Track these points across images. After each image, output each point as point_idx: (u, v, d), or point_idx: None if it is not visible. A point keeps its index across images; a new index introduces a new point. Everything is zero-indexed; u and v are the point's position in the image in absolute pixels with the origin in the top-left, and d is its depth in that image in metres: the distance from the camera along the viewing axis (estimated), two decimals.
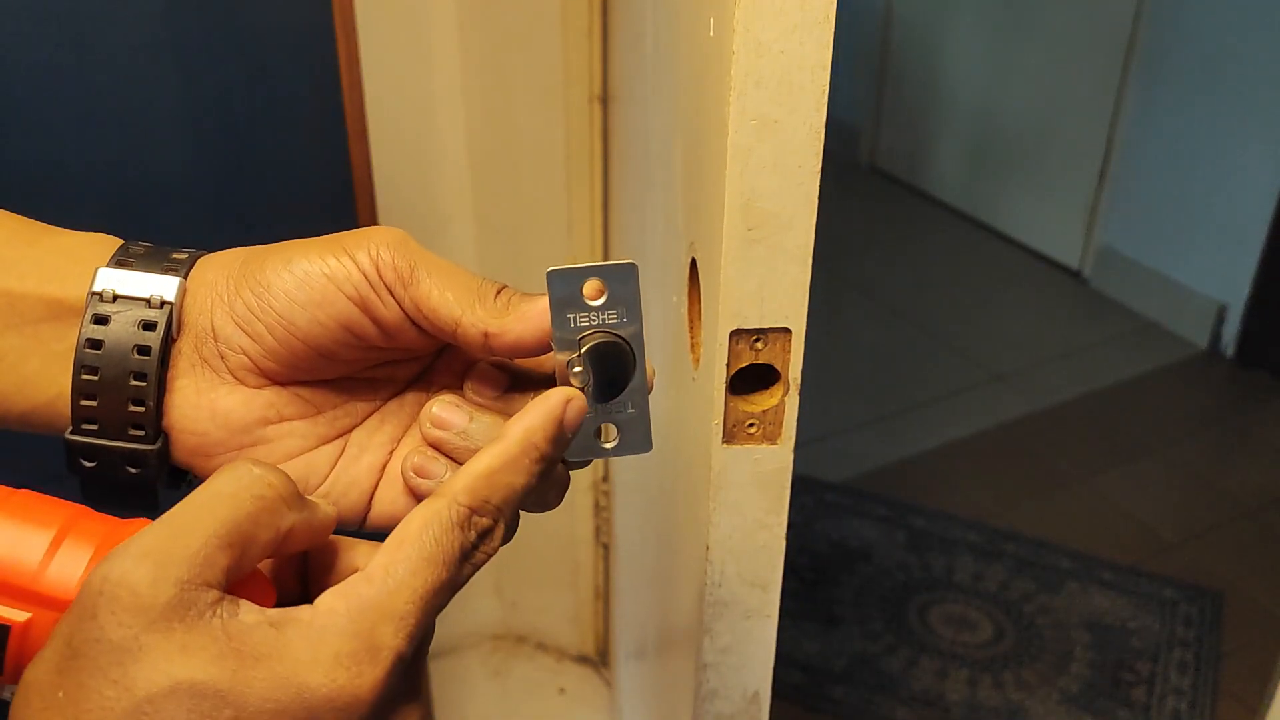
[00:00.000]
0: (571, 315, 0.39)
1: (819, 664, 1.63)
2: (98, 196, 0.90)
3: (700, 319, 0.56)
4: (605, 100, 1.12)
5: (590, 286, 0.39)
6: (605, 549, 1.37)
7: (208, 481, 0.31)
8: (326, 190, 1.02)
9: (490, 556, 0.35)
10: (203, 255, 0.39)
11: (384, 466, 0.40)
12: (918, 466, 2.07)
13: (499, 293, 0.39)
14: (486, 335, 0.37)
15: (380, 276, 0.36)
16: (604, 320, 0.39)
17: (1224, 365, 2.41)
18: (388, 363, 0.40)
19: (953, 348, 2.48)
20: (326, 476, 0.39)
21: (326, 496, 0.39)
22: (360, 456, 0.40)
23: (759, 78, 0.44)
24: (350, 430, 0.40)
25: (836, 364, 2.39)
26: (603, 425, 0.40)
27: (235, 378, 0.37)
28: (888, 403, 2.26)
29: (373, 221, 1.08)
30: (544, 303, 0.38)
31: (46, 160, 0.89)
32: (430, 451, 0.39)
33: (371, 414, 0.40)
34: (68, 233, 0.39)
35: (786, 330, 0.50)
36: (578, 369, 0.38)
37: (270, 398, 0.38)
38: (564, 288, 0.39)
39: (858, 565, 1.82)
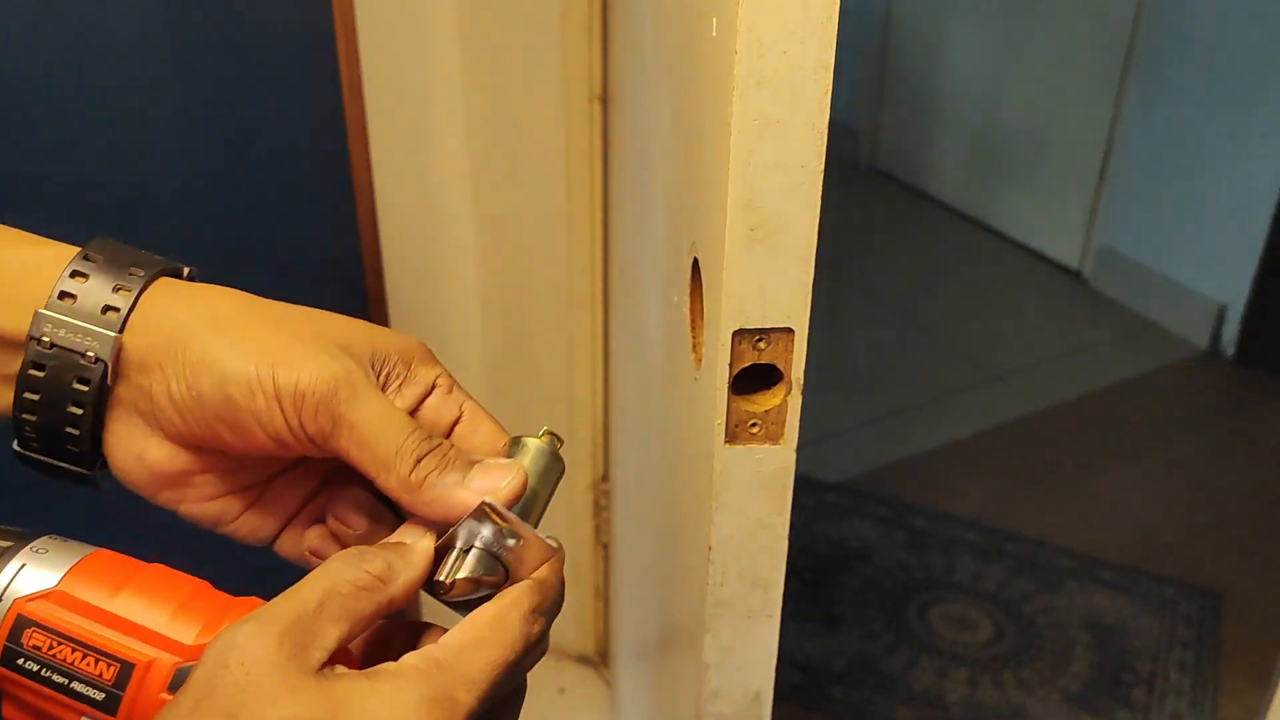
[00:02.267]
0: (471, 532, 0.39)
1: (819, 664, 1.63)
2: (97, 196, 0.90)
3: (702, 319, 0.56)
4: (605, 100, 1.12)
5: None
6: (605, 549, 1.37)
7: (325, 565, 0.36)
8: (326, 190, 1.02)
9: (540, 657, 0.39)
10: (160, 277, 0.40)
11: (291, 516, 0.44)
12: (918, 466, 2.07)
13: (419, 462, 0.39)
14: (398, 500, 0.40)
15: (303, 428, 0.38)
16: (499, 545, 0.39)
17: (1224, 365, 2.41)
18: None
19: (953, 348, 2.48)
20: (237, 519, 0.43)
21: (233, 534, 0.43)
22: (273, 505, 0.43)
23: (761, 78, 0.44)
24: (266, 480, 0.43)
25: (836, 364, 2.39)
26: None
27: (164, 434, 0.40)
28: (888, 403, 2.26)
29: (372, 221, 1.08)
30: (461, 495, 0.39)
31: (46, 160, 0.89)
32: (329, 536, 0.43)
33: (286, 470, 0.44)
34: (19, 240, 0.40)
35: (789, 330, 0.50)
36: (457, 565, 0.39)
37: (194, 455, 0.41)
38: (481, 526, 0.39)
39: (858, 565, 1.82)
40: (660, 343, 0.74)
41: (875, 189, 3.22)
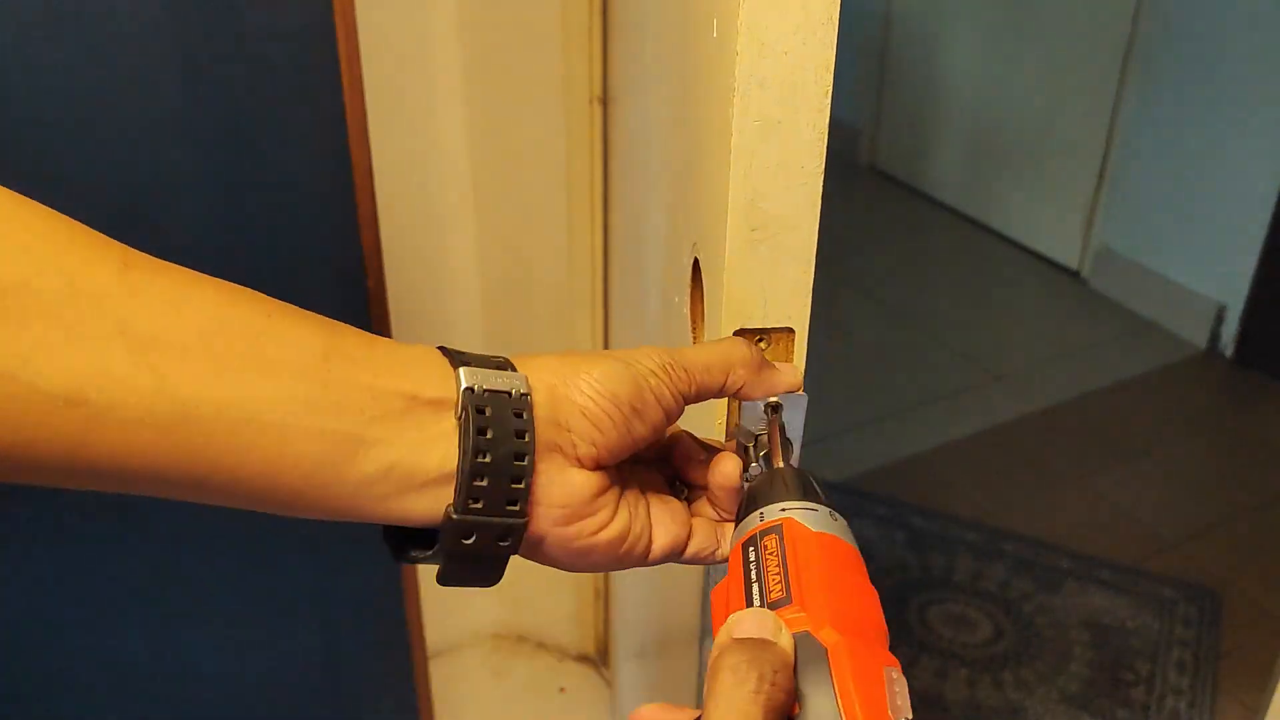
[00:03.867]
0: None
1: None
2: (97, 197, 0.90)
3: (703, 319, 0.56)
4: (605, 101, 1.12)
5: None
6: None
7: (730, 691, 0.35)
8: (326, 190, 1.02)
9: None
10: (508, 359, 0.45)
11: (649, 512, 0.48)
12: (918, 466, 2.07)
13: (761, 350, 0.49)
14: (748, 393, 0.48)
15: (679, 392, 0.46)
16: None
17: (1222, 365, 2.41)
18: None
19: (952, 348, 2.48)
20: (629, 531, 0.46)
21: (633, 549, 0.47)
22: (639, 507, 0.48)
23: (763, 79, 0.44)
24: (622, 495, 0.47)
25: (836, 364, 2.39)
26: None
27: (578, 461, 0.44)
28: (888, 403, 2.27)
29: (373, 222, 1.08)
30: (792, 372, 0.49)
31: (46, 160, 0.89)
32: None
33: (627, 481, 0.48)
34: (388, 340, 0.44)
35: (790, 330, 0.50)
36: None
37: (598, 476, 0.44)
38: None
39: None
40: (660, 342, 0.74)
41: (875, 189, 3.22)
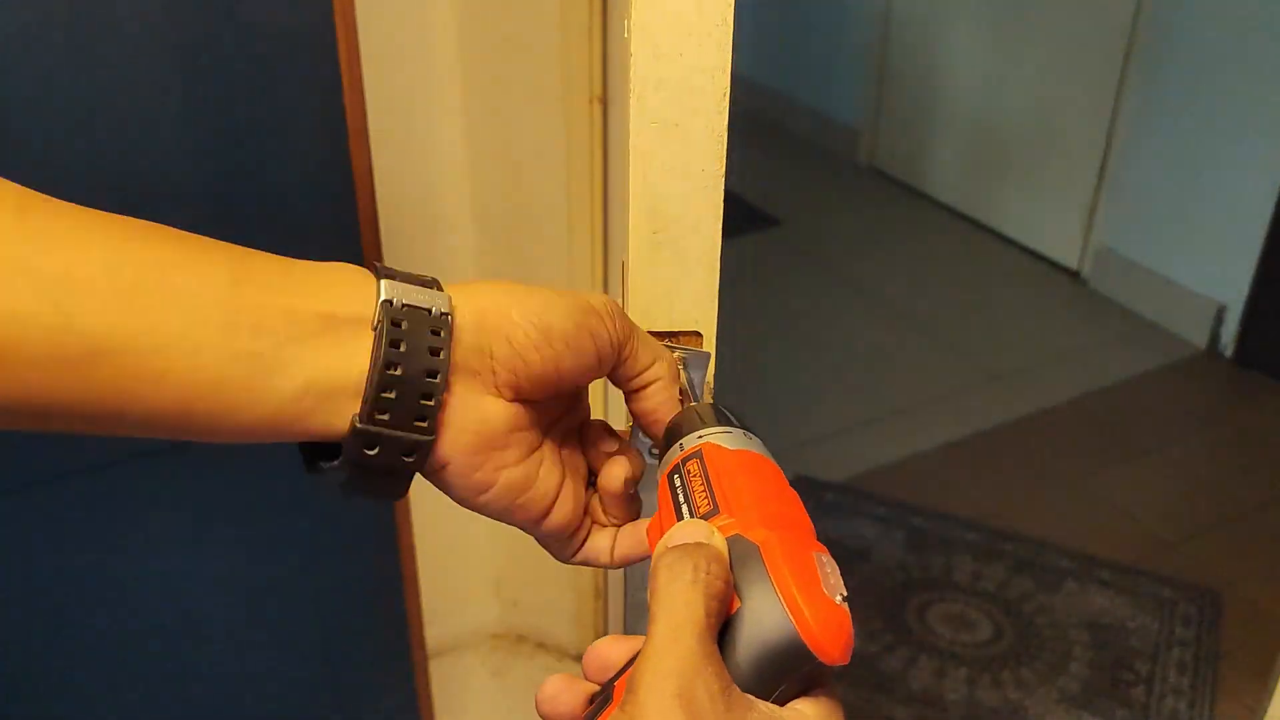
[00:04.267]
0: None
1: None
2: (98, 197, 0.90)
3: None
4: (605, 100, 1.13)
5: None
6: None
7: (668, 585, 0.36)
8: (326, 190, 1.02)
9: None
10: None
11: (561, 482, 0.47)
12: (917, 466, 2.07)
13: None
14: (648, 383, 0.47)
15: (619, 337, 0.45)
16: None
17: (1222, 365, 2.41)
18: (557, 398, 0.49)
19: (952, 348, 2.48)
20: (533, 482, 0.46)
21: (530, 500, 0.46)
22: (552, 469, 0.47)
23: (659, 81, 0.44)
24: (540, 445, 0.47)
25: (836, 364, 2.39)
26: None
27: (497, 390, 0.43)
28: (888, 403, 2.27)
29: (373, 221, 1.08)
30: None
31: (46, 160, 0.89)
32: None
33: (548, 433, 0.48)
34: (306, 262, 0.43)
35: (697, 334, 0.50)
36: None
37: (516, 409, 0.44)
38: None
39: (857, 565, 1.82)
40: None
41: (875, 189, 3.22)
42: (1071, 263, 2.73)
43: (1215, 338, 2.44)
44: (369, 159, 1.02)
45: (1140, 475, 2.07)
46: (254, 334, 0.39)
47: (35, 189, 0.38)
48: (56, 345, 0.36)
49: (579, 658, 1.49)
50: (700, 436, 0.44)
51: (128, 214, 0.41)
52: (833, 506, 1.94)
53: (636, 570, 0.56)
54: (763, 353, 2.35)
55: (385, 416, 0.41)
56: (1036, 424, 2.22)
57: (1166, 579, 1.81)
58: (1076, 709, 1.59)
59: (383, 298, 0.41)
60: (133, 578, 1.06)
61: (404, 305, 0.41)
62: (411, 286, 0.42)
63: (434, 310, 0.42)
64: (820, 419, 2.13)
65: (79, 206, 0.39)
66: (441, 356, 0.41)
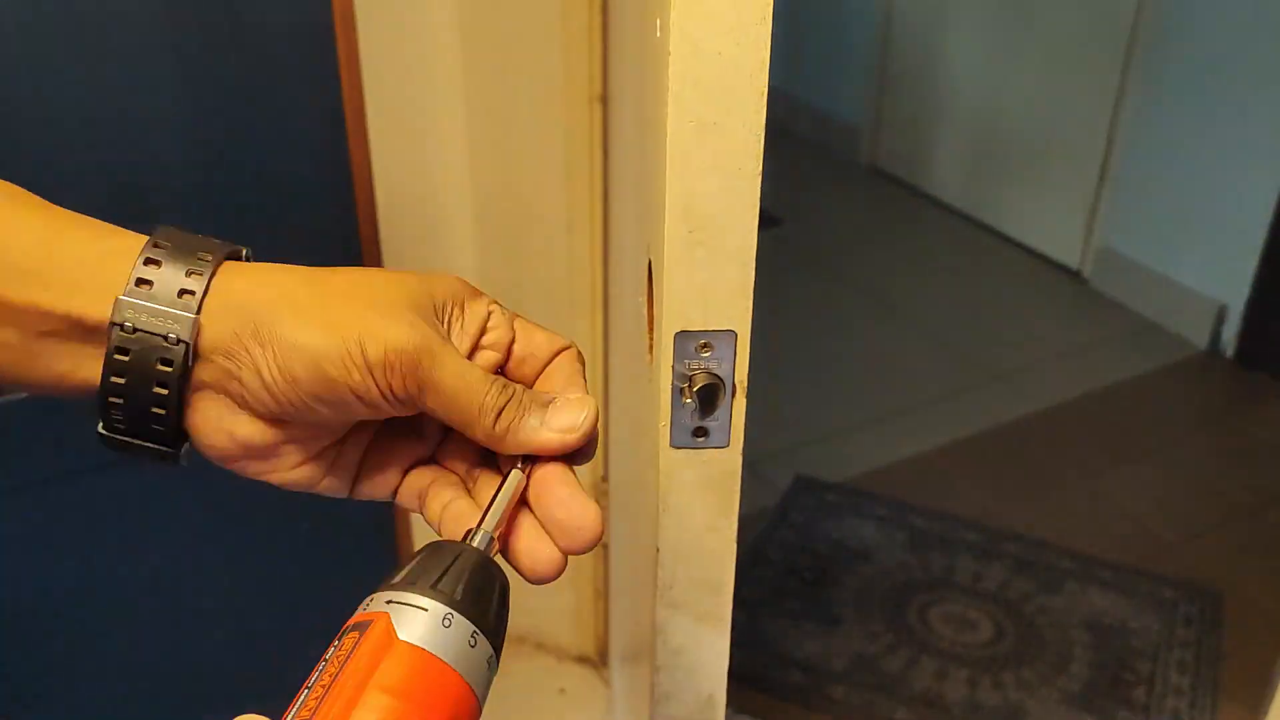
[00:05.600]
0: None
1: (819, 664, 1.63)
2: (97, 196, 0.90)
3: (654, 322, 0.56)
4: (605, 100, 1.12)
5: None
6: (605, 549, 1.37)
7: None
8: (326, 190, 1.02)
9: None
10: (225, 261, 0.42)
11: (358, 465, 0.46)
12: (918, 466, 2.07)
13: (499, 414, 0.42)
14: (489, 447, 0.43)
15: (394, 394, 0.41)
16: None
17: (1224, 365, 2.41)
18: None
19: (953, 348, 2.48)
20: (323, 479, 0.45)
21: (321, 492, 0.45)
22: (349, 460, 0.46)
23: (696, 79, 0.44)
24: (342, 439, 0.45)
25: (837, 364, 2.39)
26: None
27: (253, 412, 0.42)
28: (888, 403, 2.26)
29: (372, 221, 1.08)
30: (544, 437, 0.42)
31: (46, 160, 0.89)
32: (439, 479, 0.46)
33: (360, 430, 0.46)
34: (92, 230, 0.42)
35: (732, 333, 0.50)
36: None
37: (282, 427, 0.43)
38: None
39: (858, 565, 1.82)
40: (627, 344, 0.74)
41: (875, 189, 3.21)
42: (1073, 262, 2.72)
43: (1217, 338, 2.43)
44: (368, 158, 1.02)
45: (1141, 475, 2.07)
46: (14, 324, 0.40)
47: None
48: None
49: (579, 658, 1.49)
50: (389, 602, 0.33)
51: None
52: (833, 507, 1.94)
53: (666, 565, 0.56)
54: (763, 352, 2.35)
55: (122, 427, 0.42)
56: (1037, 424, 2.21)
57: (1168, 579, 1.81)
58: (1077, 709, 1.58)
59: (112, 319, 0.40)
60: (133, 578, 1.06)
61: (136, 330, 0.40)
62: (152, 307, 0.40)
63: (170, 336, 0.40)
64: (820, 419, 2.13)
65: None
66: (168, 392, 0.41)
